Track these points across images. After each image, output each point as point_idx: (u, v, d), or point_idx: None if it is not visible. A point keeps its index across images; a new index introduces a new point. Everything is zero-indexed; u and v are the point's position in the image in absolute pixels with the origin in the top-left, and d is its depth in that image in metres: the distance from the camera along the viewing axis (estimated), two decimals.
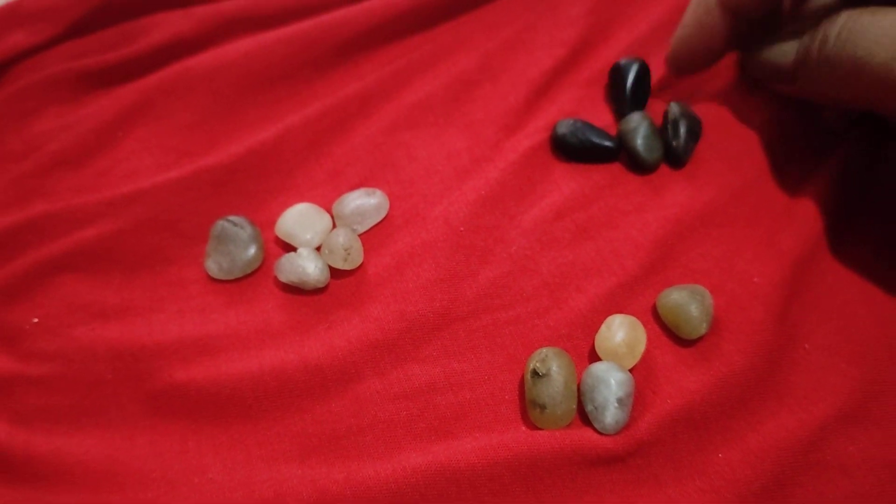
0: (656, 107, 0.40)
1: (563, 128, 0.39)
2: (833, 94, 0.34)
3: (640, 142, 0.38)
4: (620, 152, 0.39)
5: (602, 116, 0.40)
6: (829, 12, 0.33)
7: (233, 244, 0.36)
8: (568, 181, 0.38)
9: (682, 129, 0.38)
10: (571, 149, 0.39)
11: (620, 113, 0.40)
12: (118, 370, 0.34)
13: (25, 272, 0.36)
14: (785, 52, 0.35)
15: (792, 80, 0.35)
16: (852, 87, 0.32)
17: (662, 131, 0.38)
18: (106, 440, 0.33)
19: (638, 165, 0.38)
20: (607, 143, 0.38)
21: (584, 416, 0.31)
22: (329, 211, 0.38)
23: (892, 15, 0.31)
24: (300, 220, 0.37)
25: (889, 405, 0.32)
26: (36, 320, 0.36)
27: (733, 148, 0.38)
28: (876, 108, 0.33)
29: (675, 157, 0.38)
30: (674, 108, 0.38)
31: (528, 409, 0.31)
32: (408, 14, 0.44)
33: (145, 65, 0.44)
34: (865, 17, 0.31)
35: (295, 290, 0.36)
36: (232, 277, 0.37)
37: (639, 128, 0.38)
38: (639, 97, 0.40)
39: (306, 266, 0.35)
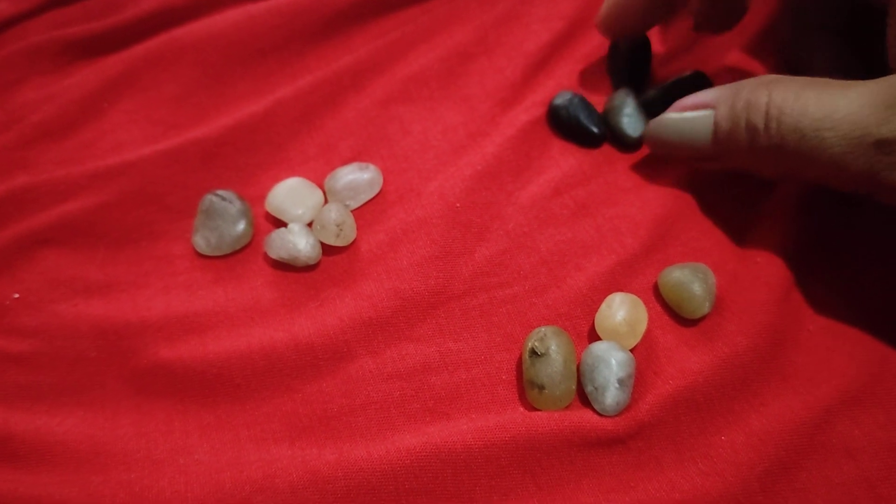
0: (657, 80, 0.39)
1: (560, 99, 0.38)
2: (778, 177, 0.32)
3: (624, 119, 0.37)
4: (605, 139, 0.38)
5: (601, 91, 0.39)
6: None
7: (221, 219, 0.35)
8: (567, 157, 0.37)
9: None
10: (561, 123, 0.38)
11: (619, 87, 0.39)
12: (102, 347, 0.33)
13: (6, 246, 0.35)
14: (698, 131, 0.33)
15: (714, 160, 0.33)
16: (801, 176, 0.31)
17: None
18: (88, 419, 0.32)
19: (622, 144, 0.37)
20: (593, 128, 0.37)
21: (583, 397, 0.31)
22: (321, 186, 0.37)
23: (822, 97, 0.28)
24: (291, 195, 0.36)
25: (894, 387, 0.31)
26: (17, 295, 0.35)
27: None
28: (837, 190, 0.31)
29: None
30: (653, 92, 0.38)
31: (526, 389, 0.31)
32: None
33: (131, 35, 0.42)
34: (796, 105, 0.29)
35: (285, 266, 0.35)
36: (220, 253, 0.36)
37: (622, 105, 0.37)
38: (639, 70, 0.39)
39: (297, 242, 0.34)
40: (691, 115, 0.33)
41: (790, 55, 0.38)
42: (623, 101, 0.37)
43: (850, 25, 0.36)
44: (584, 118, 0.37)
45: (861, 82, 0.28)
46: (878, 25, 0.32)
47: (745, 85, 0.31)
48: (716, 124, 0.32)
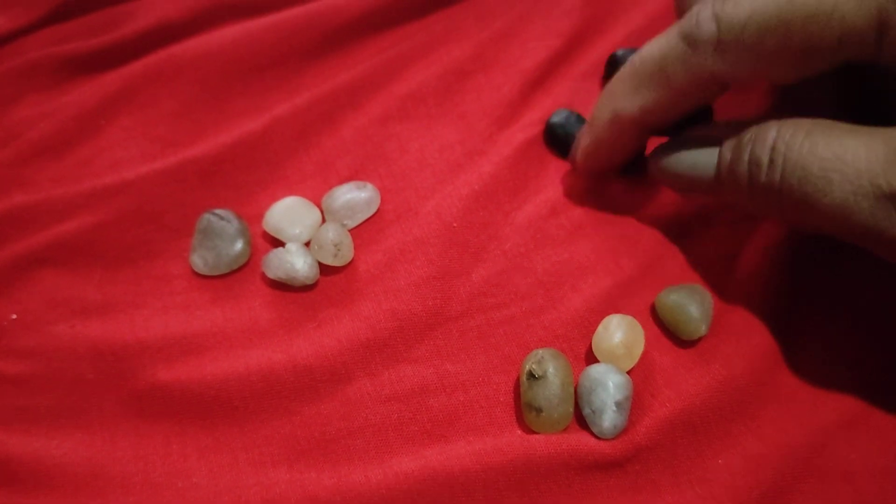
0: None
1: (557, 117, 0.38)
2: (780, 220, 0.31)
3: None
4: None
5: None
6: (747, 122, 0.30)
7: (219, 238, 0.35)
8: (563, 177, 0.37)
9: None
10: (558, 141, 0.38)
11: None
12: (99, 369, 0.33)
13: (3, 266, 0.35)
14: (701, 163, 0.31)
15: (714, 194, 0.32)
16: (803, 222, 0.29)
17: None
18: (86, 442, 0.32)
19: (622, 168, 0.37)
20: None
21: (581, 420, 0.31)
22: (318, 204, 0.37)
23: (831, 142, 0.27)
24: (288, 215, 0.36)
25: (891, 411, 0.31)
26: (14, 316, 0.34)
27: None
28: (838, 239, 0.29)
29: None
30: None
31: (524, 412, 0.31)
32: (400, 2, 0.43)
33: (129, 51, 0.42)
34: (803, 148, 0.27)
35: (283, 286, 0.35)
36: (218, 273, 0.36)
37: None
38: None
39: (295, 262, 0.34)
40: (697, 146, 0.32)
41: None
42: None
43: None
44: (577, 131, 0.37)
45: (872, 128, 0.27)
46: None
47: (755, 120, 0.30)
48: (720, 156, 0.30)
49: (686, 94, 0.31)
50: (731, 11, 0.28)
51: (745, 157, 0.29)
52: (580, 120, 0.38)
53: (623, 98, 0.32)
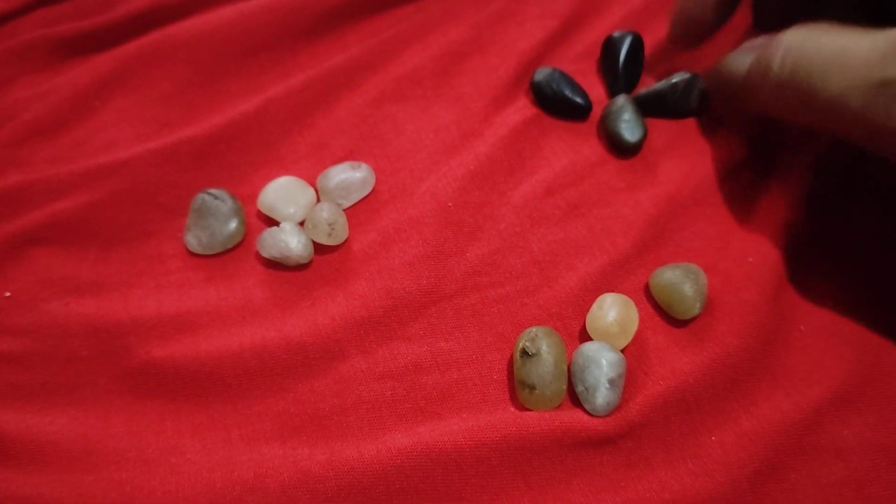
0: (649, 81, 0.39)
1: (541, 75, 0.38)
2: (789, 118, 0.32)
3: (622, 124, 0.37)
4: (590, 109, 0.38)
5: (594, 90, 0.39)
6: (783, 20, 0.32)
7: (213, 218, 0.35)
8: (559, 157, 0.37)
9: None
10: (546, 99, 0.38)
11: (613, 87, 0.39)
12: (93, 347, 0.33)
13: None
14: (739, 64, 0.34)
15: (744, 98, 0.34)
16: (806, 116, 0.31)
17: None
18: (80, 419, 0.32)
19: (620, 148, 0.37)
20: (578, 100, 0.38)
21: (574, 398, 0.31)
22: (313, 185, 0.37)
23: (837, 40, 0.29)
24: (283, 194, 0.36)
25: (884, 388, 0.31)
26: (8, 294, 0.34)
27: (731, 125, 0.38)
28: (836, 134, 0.31)
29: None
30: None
31: (517, 389, 0.31)
32: None
33: (123, 32, 0.42)
34: (809, 44, 0.30)
35: (277, 265, 0.35)
36: (212, 252, 0.35)
37: (621, 111, 0.37)
38: (632, 71, 0.39)
39: (289, 241, 0.34)
40: (743, 52, 0.34)
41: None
42: (622, 106, 0.37)
43: None
44: (568, 92, 0.38)
45: (876, 30, 0.28)
46: None
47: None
48: (755, 56, 0.33)
49: None
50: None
51: (765, 55, 0.31)
52: (563, 75, 0.38)
53: None
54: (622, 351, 0.31)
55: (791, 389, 0.31)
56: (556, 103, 0.38)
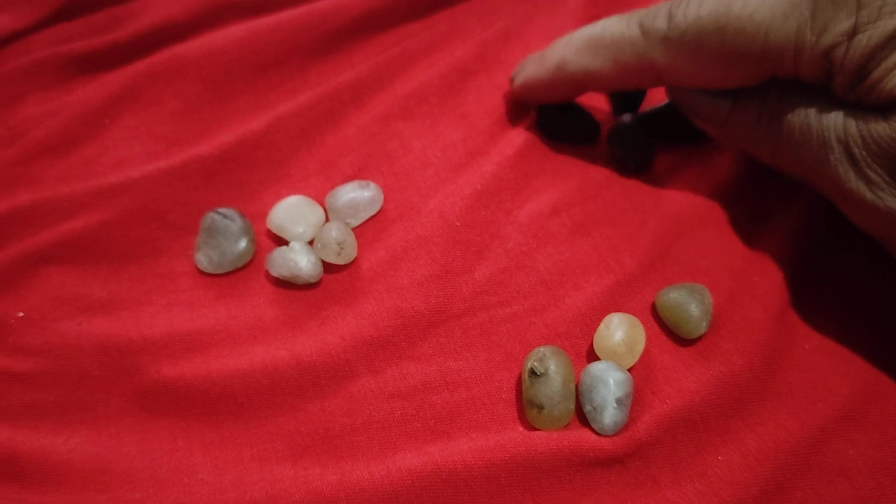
0: (654, 101, 0.40)
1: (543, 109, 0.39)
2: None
3: (627, 145, 0.37)
4: (599, 132, 0.39)
5: (599, 110, 0.40)
6: None
7: (223, 237, 0.36)
8: (565, 176, 0.37)
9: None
10: (552, 126, 0.38)
11: (618, 106, 0.40)
12: (105, 366, 0.33)
13: (10, 264, 0.35)
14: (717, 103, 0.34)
15: (724, 129, 0.34)
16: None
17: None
18: (92, 438, 0.32)
19: (625, 168, 0.38)
20: (582, 130, 0.38)
21: (582, 417, 0.31)
22: (322, 203, 0.37)
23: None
24: (292, 213, 0.36)
25: (888, 406, 0.31)
26: (21, 314, 0.35)
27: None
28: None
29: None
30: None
31: (526, 409, 0.31)
32: (403, 1, 0.43)
33: (133, 50, 0.42)
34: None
35: (287, 284, 0.35)
36: (222, 271, 0.36)
37: (626, 130, 0.38)
38: (637, 90, 0.40)
39: (298, 260, 0.34)
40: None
41: None
42: (627, 125, 0.38)
43: None
44: (571, 117, 0.38)
45: None
46: None
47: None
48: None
49: (626, 74, 0.34)
50: (681, 13, 0.31)
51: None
52: (569, 105, 0.38)
53: (575, 54, 0.35)
54: (629, 370, 0.32)
55: (796, 408, 0.31)
56: (563, 130, 0.38)
